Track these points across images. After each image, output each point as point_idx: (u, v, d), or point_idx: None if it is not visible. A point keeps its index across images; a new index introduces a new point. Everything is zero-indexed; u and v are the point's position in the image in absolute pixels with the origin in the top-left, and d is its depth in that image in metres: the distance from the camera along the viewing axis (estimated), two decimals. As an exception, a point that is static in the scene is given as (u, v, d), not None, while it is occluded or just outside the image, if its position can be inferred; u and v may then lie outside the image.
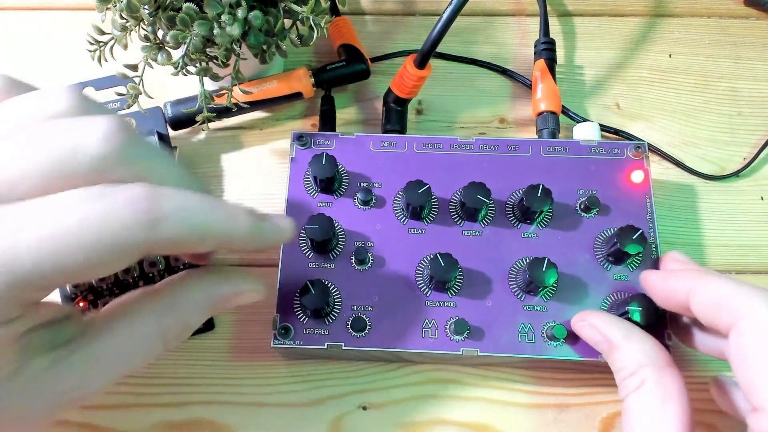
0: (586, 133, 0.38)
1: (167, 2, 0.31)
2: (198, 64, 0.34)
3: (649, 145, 0.39)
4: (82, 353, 0.23)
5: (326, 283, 0.32)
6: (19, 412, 0.22)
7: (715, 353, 0.29)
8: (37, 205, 0.20)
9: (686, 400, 0.26)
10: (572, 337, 0.31)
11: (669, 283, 0.28)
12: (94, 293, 0.35)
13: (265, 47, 0.34)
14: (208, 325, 0.35)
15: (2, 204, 0.20)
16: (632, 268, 0.33)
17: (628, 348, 0.28)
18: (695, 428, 0.25)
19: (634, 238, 0.31)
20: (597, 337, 0.29)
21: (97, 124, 0.21)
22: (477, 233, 0.34)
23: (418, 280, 0.33)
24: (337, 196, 0.35)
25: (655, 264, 0.33)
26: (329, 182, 0.33)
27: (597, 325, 0.29)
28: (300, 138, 0.36)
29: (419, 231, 0.34)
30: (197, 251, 0.26)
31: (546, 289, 0.32)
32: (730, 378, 0.29)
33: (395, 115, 0.39)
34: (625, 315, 0.30)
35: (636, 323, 0.30)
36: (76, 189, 0.20)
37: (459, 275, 0.33)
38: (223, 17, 0.31)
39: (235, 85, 0.35)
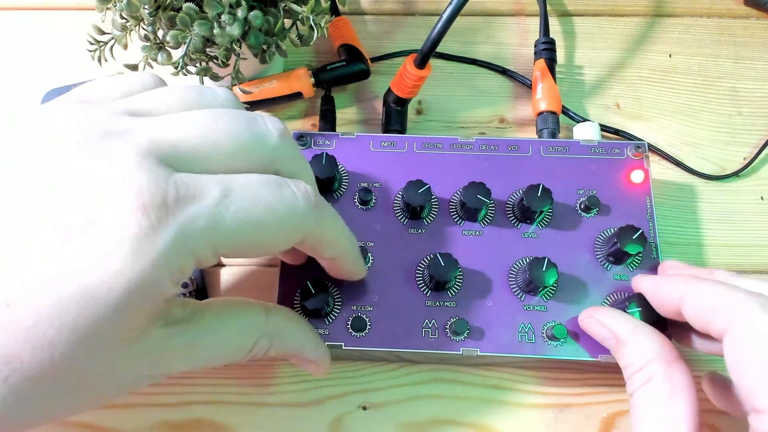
0: (586, 133, 0.38)
1: (167, 2, 0.31)
2: (198, 64, 0.34)
3: (649, 145, 0.39)
4: (188, 337, 0.24)
5: (326, 283, 0.32)
6: (119, 378, 0.23)
7: (716, 352, 0.29)
8: (235, 180, 0.22)
9: (694, 394, 0.25)
10: (573, 337, 0.31)
11: (660, 290, 0.28)
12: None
13: (265, 47, 0.34)
14: (208, 325, 0.35)
15: (192, 172, 0.22)
16: (632, 268, 0.33)
17: (635, 343, 0.28)
18: (702, 426, 0.25)
19: (634, 238, 0.31)
20: (604, 334, 0.29)
21: (273, 120, 0.25)
22: (477, 233, 0.34)
23: (418, 280, 0.33)
24: (337, 196, 0.35)
25: (655, 264, 0.33)
26: (329, 182, 0.33)
27: (604, 321, 0.29)
28: (300, 138, 0.36)
29: (419, 231, 0.34)
30: (320, 255, 0.28)
31: (546, 289, 0.32)
32: (724, 375, 0.29)
33: (395, 115, 0.39)
34: (625, 315, 0.30)
35: None
36: (259, 174, 0.23)
37: (459, 275, 0.33)
38: (223, 17, 0.31)
39: (235, 84, 0.35)
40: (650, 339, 0.27)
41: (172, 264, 0.21)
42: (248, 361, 0.27)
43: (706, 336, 0.29)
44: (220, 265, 0.37)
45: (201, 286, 0.36)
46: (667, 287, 0.28)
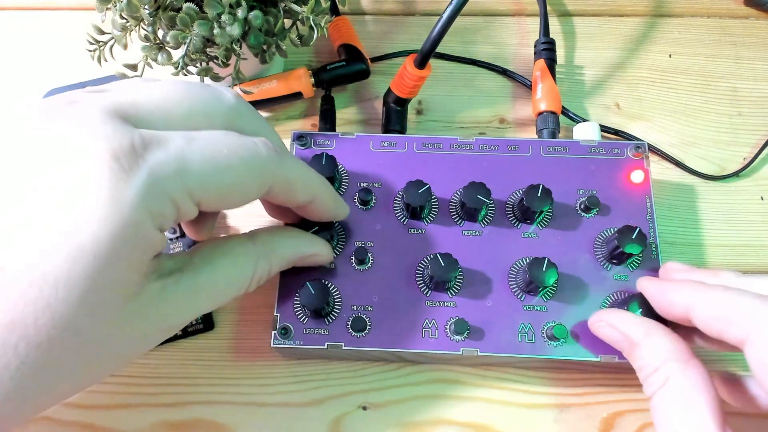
0: (586, 133, 0.38)
1: (167, 2, 0.31)
2: (198, 64, 0.34)
3: (649, 145, 0.39)
4: (186, 284, 0.25)
5: (326, 283, 0.32)
6: (129, 336, 0.23)
7: (717, 348, 0.29)
8: (197, 133, 0.24)
9: (713, 390, 0.25)
10: (573, 337, 0.31)
11: (667, 297, 0.28)
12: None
13: (265, 47, 0.34)
14: (208, 325, 0.35)
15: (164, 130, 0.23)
16: (632, 268, 0.33)
17: (649, 345, 0.27)
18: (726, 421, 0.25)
19: (633, 238, 0.31)
20: (617, 336, 0.29)
21: (226, 87, 0.27)
22: (477, 233, 0.34)
23: (418, 280, 0.33)
24: (337, 196, 0.35)
25: (655, 264, 0.33)
26: (329, 182, 0.33)
27: (616, 324, 0.29)
28: (300, 138, 0.36)
29: (419, 231, 0.34)
30: (296, 199, 0.29)
31: (546, 289, 0.32)
32: (737, 373, 0.29)
33: (395, 115, 0.39)
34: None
35: None
36: (219, 130, 0.24)
37: (459, 275, 0.33)
38: (223, 17, 0.31)
39: (236, 84, 0.35)
40: (664, 339, 0.27)
41: (151, 206, 0.21)
42: (258, 287, 0.29)
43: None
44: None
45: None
46: (673, 294, 0.28)
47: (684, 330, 0.30)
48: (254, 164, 0.25)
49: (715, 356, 0.34)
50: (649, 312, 0.29)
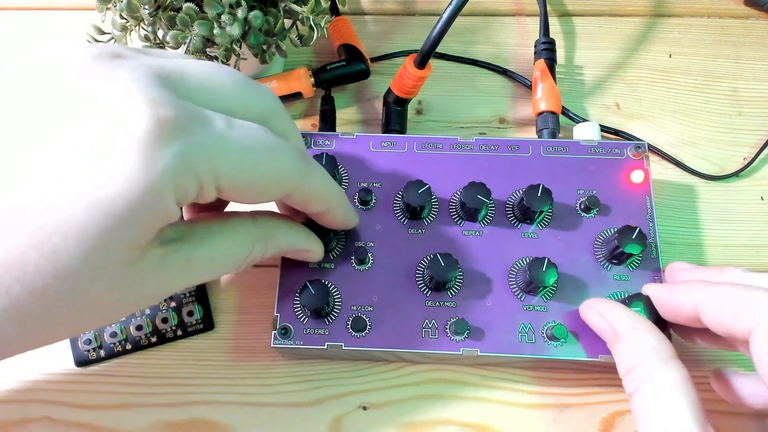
0: (586, 133, 0.38)
1: (167, 2, 0.31)
2: (198, 64, 0.34)
3: (649, 145, 0.39)
4: (184, 253, 0.25)
5: (326, 283, 0.32)
6: (122, 298, 0.23)
7: (718, 347, 0.29)
8: (237, 121, 0.23)
9: (694, 389, 0.25)
10: (573, 337, 0.31)
11: (674, 298, 0.28)
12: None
13: (265, 47, 0.34)
14: (208, 325, 0.35)
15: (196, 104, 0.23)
16: (632, 268, 0.33)
17: (633, 339, 0.27)
18: (707, 416, 0.25)
19: (633, 238, 0.31)
20: (603, 325, 0.29)
21: (266, 86, 0.27)
22: (477, 233, 0.34)
23: (418, 280, 0.33)
24: (337, 196, 0.35)
25: (655, 265, 0.33)
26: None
27: (604, 313, 0.29)
28: (300, 138, 0.36)
29: (419, 231, 0.34)
30: (311, 209, 0.29)
31: (546, 289, 0.32)
32: (731, 370, 0.29)
33: (395, 115, 0.39)
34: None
35: None
36: (257, 124, 0.24)
37: (459, 275, 0.33)
38: (223, 17, 0.31)
39: (235, 85, 0.35)
40: (648, 336, 0.27)
41: (177, 180, 0.21)
42: (249, 268, 0.28)
43: (711, 334, 0.29)
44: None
45: (201, 286, 0.36)
46: (681, 294, 0.28)
47: (684, 331, 0.30)
48: (283, 169, 0.25)
49: (713, 356, 0.34)
50: (649, 312, 0.29)
